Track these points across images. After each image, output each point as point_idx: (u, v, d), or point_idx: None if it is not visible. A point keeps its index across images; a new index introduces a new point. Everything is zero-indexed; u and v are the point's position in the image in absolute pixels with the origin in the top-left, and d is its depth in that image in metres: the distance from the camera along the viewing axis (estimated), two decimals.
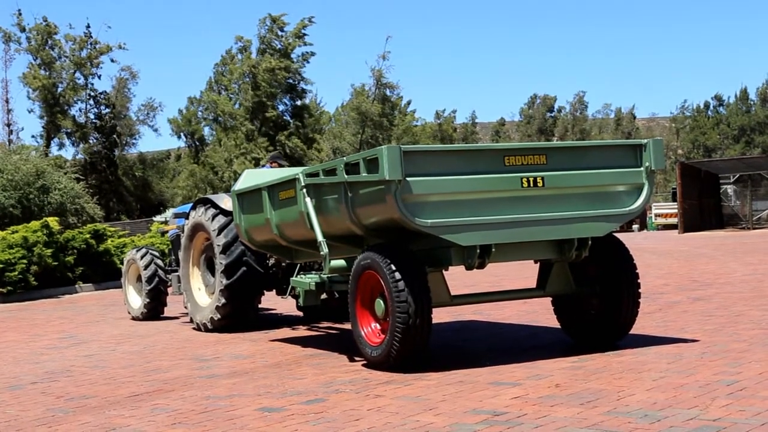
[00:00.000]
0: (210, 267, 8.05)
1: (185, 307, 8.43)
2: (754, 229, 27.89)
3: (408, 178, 4.79)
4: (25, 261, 14.21)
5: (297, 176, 5.68)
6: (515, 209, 5.04)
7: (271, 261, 7.82)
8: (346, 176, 5.13)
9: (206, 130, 44.44)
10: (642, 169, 5.35)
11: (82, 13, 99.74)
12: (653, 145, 5.36)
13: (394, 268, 4.89)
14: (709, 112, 63.26)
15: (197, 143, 44.83)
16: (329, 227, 5.57)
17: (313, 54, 40.56)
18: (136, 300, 9.64)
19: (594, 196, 5.27)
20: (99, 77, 41.27)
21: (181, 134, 45.06)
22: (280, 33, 39.64)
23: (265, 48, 39.61)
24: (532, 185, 5.04)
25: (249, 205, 6.59)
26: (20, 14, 38.96)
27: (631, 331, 5.65)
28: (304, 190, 5.59)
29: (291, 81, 40.21)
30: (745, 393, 3.95)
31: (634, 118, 70.52)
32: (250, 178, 7.12)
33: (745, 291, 8.63)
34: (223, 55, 41.82)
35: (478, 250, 5.01)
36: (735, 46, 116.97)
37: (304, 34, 39.87)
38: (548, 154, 5.18)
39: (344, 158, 5.25)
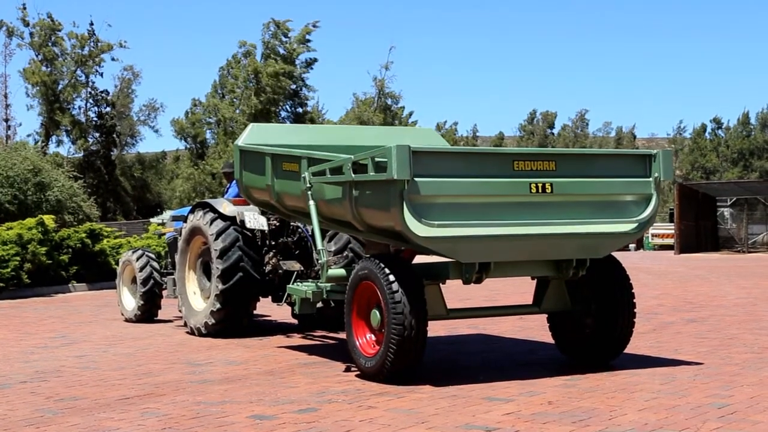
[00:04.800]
0: (206, 271, 8.03)
1: (180, 311, 8.41)
2: (750, 252, 27.96)
3: (416, 179, 4.75)
4: (18, 258, 14.15)
5: (303, 175, 5.64)
6: (522, 215, 5.00)
7: (268, 267, 7.80)
8: (353, 175, 5.10)
9: (208, 134, 44.48)
10: (651, 179, 5.33)
11: (88, 12, 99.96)
12: (663, 156, 5.34)
13: (391, 279, 4.89)
14: (708, 135, 63.48)
15: (199, 146, 44.83)
16: (330, 213, 5.57)
17: (316, 60, 40.72)
18: (130, 302, 9.61)
19: (602, 205, 5.24)
20: (101, 75, 41.27)
21: (185, 137, 45.04)
22: (284, 39, 39.76)
23: (269, 53, 39.71)
24: (540, 191, 5.00)
25: (251, 165, 6.45)
26: (25, 8, 38.96)
27: (625, 351, 5.65)
28: (309, 193, 5.57)
29: (294, 87, 40.31)
30: (736, 417, 3.95)
31: (634, 137, 70.72)
32: (255, 133, 6.77)
33: (738, 314, 8.64)
34: (229, 60, 41.92)
35: (477, 266, 5.01)
36: (735, 69, 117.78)
37: (308, 40, 40.00)
38: (558, 161, 5.16)
39: (352, 156, 5.16)
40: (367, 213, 5.14)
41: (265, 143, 6.46)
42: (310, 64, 40.54)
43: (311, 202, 5.57)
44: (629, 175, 5.32)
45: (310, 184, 5.58)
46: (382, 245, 6.00)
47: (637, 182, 5.32)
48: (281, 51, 39.77)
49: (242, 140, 6.67)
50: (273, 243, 7.99)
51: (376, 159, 4.87)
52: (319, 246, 5.58)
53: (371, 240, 5.94)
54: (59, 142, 41.15)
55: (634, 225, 5.30)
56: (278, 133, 6.88)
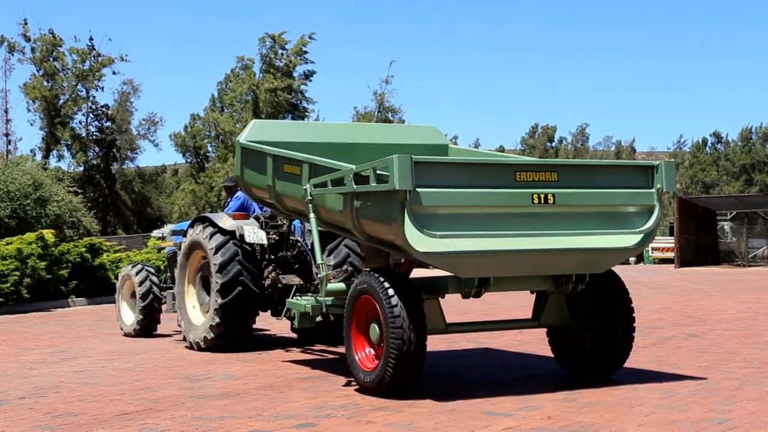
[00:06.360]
0: (205, 285, 8.02)
1: (179, 325, 8.40)
2: (750, 266, 27.93)
3: (418, 189, 4.74)
4: (18, 273, 14.13)
5: (305, 187, 5.66)
6: (524, 227, 4.99)
7: (267, 281, 7.80)
8: (354, 186, 5.10)
9: (209, 147, 44.59)
10: (653, 190, 5.31)
11: (87, 26, 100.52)
12: (665, 167, 5.33)
13: (390, 293, 4.88)
14: (707, 149, 63.65)
15: (199, 160, 44.94)
16: (331, 219, 5.57)
17: (314, 72, 40.92)
18: (129, 316, 9.60)
19: (604, 217, 5.22)
20: (102, 89, 41.50)
21: (185, 150, 45.13)
22: (281, 51, 39.97)
23: (267, 67, 39.91)
24: (542, 202, 4.98)
25: (253, 163, 6.44)
26: (26, 24, 39.17)
27: (625, 365, 5.64)
28: (310, 205, 5.58)
29: (293, 101, 40.50)
30: None
31: (634, 151, 70.87)
32: (257, 130, 6.71)
33: (738, 329, 8.63)
34: (227, 74, 42.14)
35: (476, 281, 5.01)
36: (735, 84, 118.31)
37: (305, 52, 40.18)
38: (560, 172, 5.14)
39: (353, 167, 5.17)
40: (368, 224, 5.14)
41: (266, 140, 6.44)
42: (308, 76, 40.75)
43: (312, 215, 5.58)
44: (632, 186, 5.31)
45: (311, 196, 5.59)
46: (381, 258, 6.00)
47: (639, 193, 5.31)
48: (279, 64, 39.94)
49: (244, 137, 6.62)
50: (272, 257, 7.99)
51: (378, 170, 4.89)
52: (319, 260, 5.59)
53: (370, 253, 5.95)
54: (60, 157, 41.33)
55: (637, 238, 5.27)
56: (280, 131, 6.86)
